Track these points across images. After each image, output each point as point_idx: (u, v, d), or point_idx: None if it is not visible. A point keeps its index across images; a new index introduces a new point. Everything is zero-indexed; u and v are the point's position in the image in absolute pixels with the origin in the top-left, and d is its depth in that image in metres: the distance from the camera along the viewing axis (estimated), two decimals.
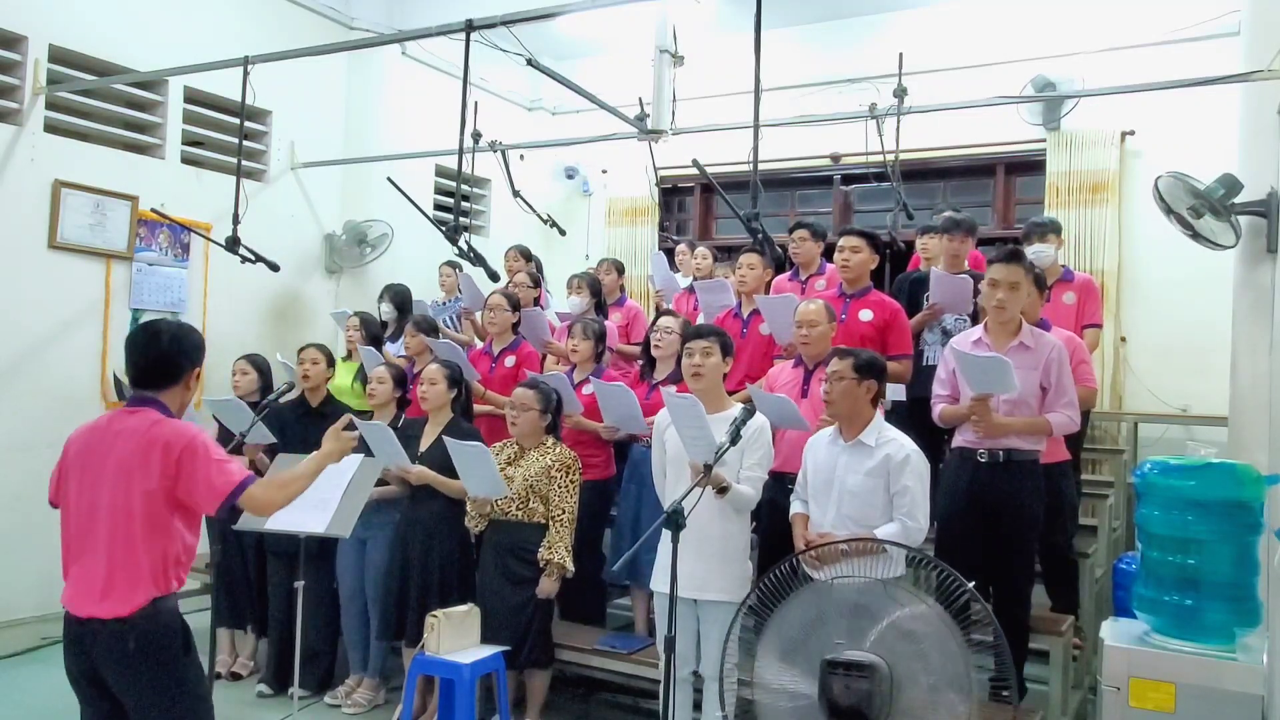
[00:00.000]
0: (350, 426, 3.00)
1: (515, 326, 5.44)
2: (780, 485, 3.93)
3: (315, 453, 2.90)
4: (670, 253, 7.43)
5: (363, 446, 4.43)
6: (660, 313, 5.01)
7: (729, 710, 3.09)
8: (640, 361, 4.94)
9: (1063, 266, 5.28)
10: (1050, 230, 5.17)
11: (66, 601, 2.59)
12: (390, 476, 4.44)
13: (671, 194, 9.10)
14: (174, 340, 2.67)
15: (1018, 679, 3.95)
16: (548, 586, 4.13)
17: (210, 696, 2.73)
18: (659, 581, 3.61)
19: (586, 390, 4.77)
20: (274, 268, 6.04)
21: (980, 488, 3.83)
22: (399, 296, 6.35)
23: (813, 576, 3.01)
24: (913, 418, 4.44)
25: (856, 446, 3.49)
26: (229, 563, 4.86)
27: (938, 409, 4.01)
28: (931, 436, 4.30)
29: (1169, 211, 4.49)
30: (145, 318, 5.96)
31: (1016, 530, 3.84)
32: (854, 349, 3.70)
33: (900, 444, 3.46)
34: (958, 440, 3.97)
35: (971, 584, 2.65)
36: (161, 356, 2.66)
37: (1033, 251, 5.14)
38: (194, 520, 2.66)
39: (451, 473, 4.24)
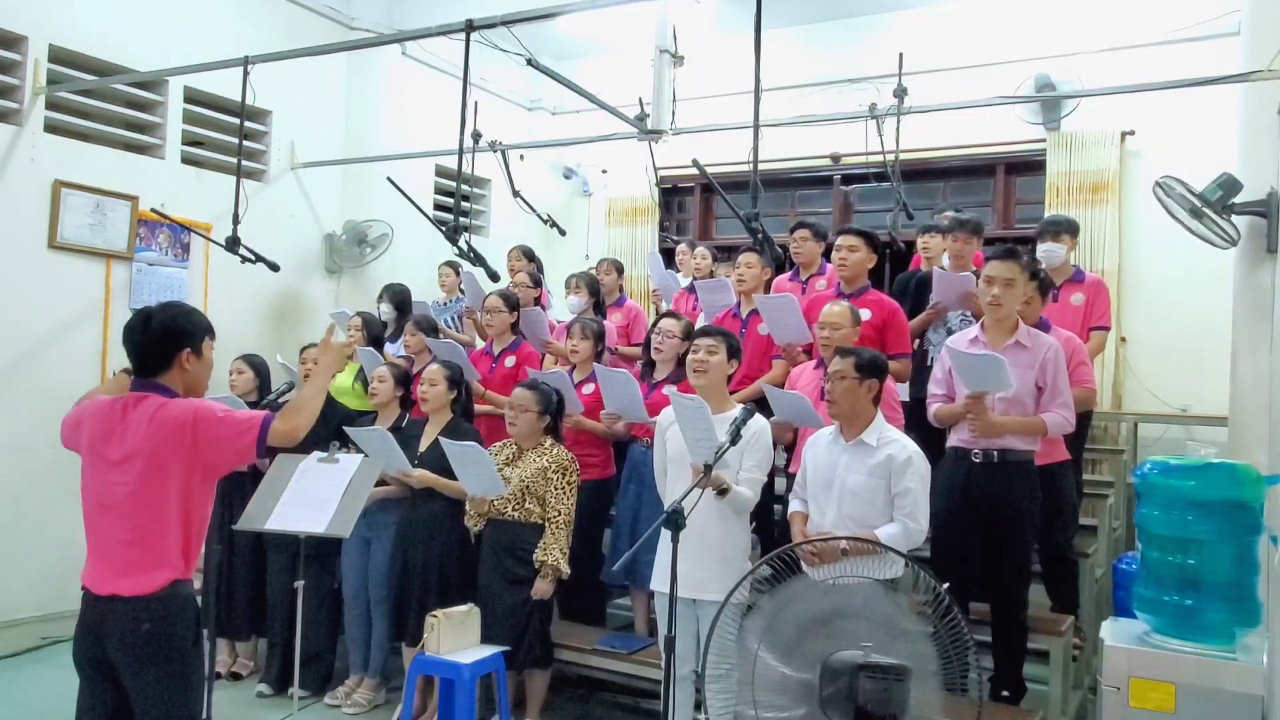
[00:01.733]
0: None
1: (515, 326, 5.44)
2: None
3: (316, 369, 2.93)
4: (670, 253, 7.42)
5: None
6: (662, 314, 5.00)
7: (713, 712, 3.07)
8: (640, 362, 4.93)
9: (1074, 267, 5.26)
10: (1064, 230, 5.16)
11: (87, 579, 2.62)
12: (390, 478, 4.44)
13: (671, 194, 9.10)
14: (161, 326, 2.67)
15: (1017, 679, 3.96)
16: (542, 588, 4.13)
17: (204, 690, 2.75)
18: (659, 581, 3.61)
19: (587, 390, 4.77)
20: (274, 268, 6.04)
21: (975, 487, 3.84)
22: (398, 297, 6.35)
23: (811, 576, 3.01)
24: (914, 417, 4.44)
25: (858, 446, 3.49)
26: (229, 569, 4.85)
27: (933, 408, 4.02)
28: (932, 436, 4.30)
29: (1172, 214, 4.49)
30: None
31: (1011, 530, 3.84)
32: (856, 348, 3.70)
33: (902, 445, 3.46)
34: (953, 440, 3.97)
35: (945, 585, 2.65)
36: (150, 343, 2.67)
37: (1043, 250, 5.14)
38: (210, 500, 2.71)
39: (452, 473, 4.24)
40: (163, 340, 2.67)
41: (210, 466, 2.66)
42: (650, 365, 4.73)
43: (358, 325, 5.76)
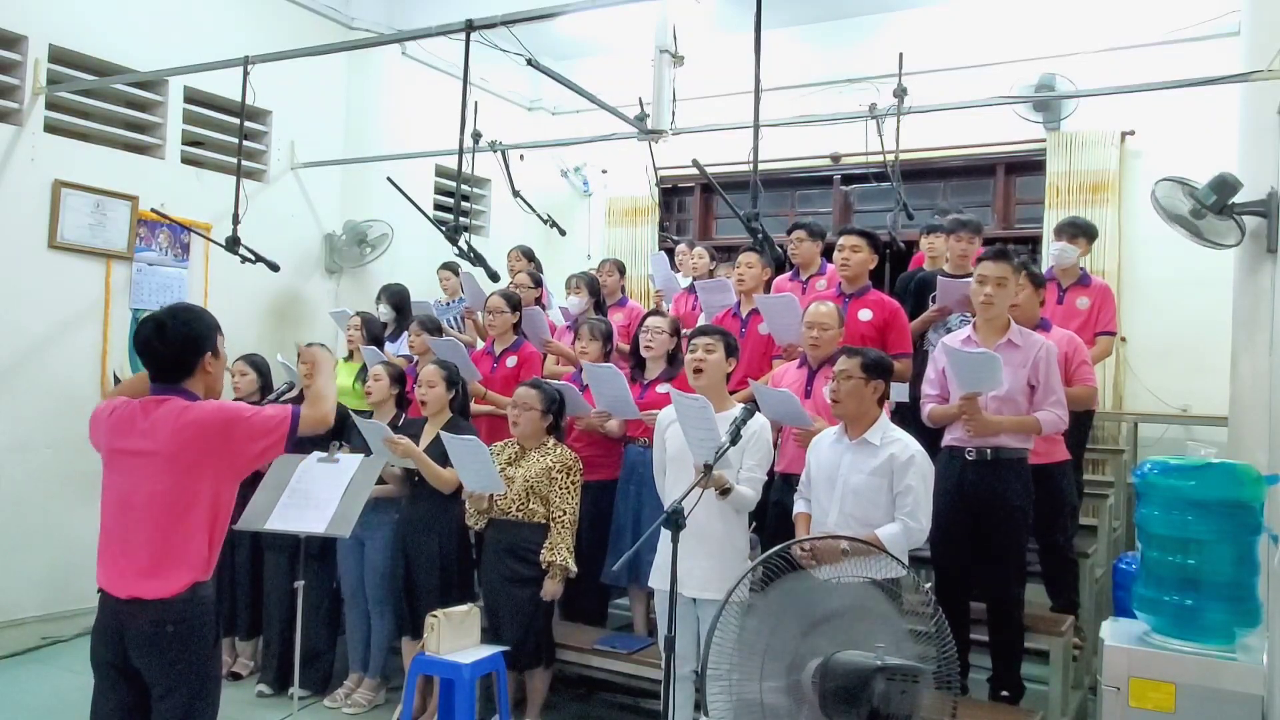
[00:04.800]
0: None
1: (516, 327, 5.44)
2: (787, 487, 3.92)
3: (316, 367, 3.00)
4: (671, 252, 7.43)
5: (362, 445, 4.44)
6: (647, 313, 4.98)
7: (713, 712, 3.06)
8: (630, 364, 4.89)
9: (1081, 270, 5.27)
10: (1081, 234, 5.19)
11: (105, 583, 2.62)
12: (389, 475, 4.44)
13: (671, 194, 9.10)
14: (177, 335, 2.68)
15: (1015, 678, 3.96)
16: (551, 588, 4.12)
17: (220, 692, 2.77)
18: (658, 580, 3.61)
19: None
20: (274, 268, 6.04)
21: (968, 486, 3.85)
22: (396, 297, 6.35)
23: (814, 575, 3.00)
24: (915, 417, 4.44)
25: (861, 445, 3.49)
26: (231, 568, 4.85)
27: (927, 409, 4.03)
28: (933, 437, 4.30)
29: (1170, 218, 4.49)
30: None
31: (1005, 528, 3.84)
32: (862, 348, 3.70)
33: (905, 444, 3.46)
34: (947, 439, 3.98)
35: (930, 584, 2.66)
36: (169, 354, 2.68)
37: (1056, 249, 5.17)
38: (232, 501, 2.72)
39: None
40: (184, 348, 2.68)
41: (242, 466, 2.69)
42: (640, 365, 4.71)
43: (357, 325, 5.76)
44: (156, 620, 2.54)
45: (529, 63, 4.69)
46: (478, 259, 5.56)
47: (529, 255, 6.89)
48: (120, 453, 2.64)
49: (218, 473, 2.63)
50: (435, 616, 3.96)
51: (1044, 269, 5.43)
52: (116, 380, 5.84)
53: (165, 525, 2.57)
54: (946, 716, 2.62)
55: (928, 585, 2.68)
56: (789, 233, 5.36)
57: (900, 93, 5.66)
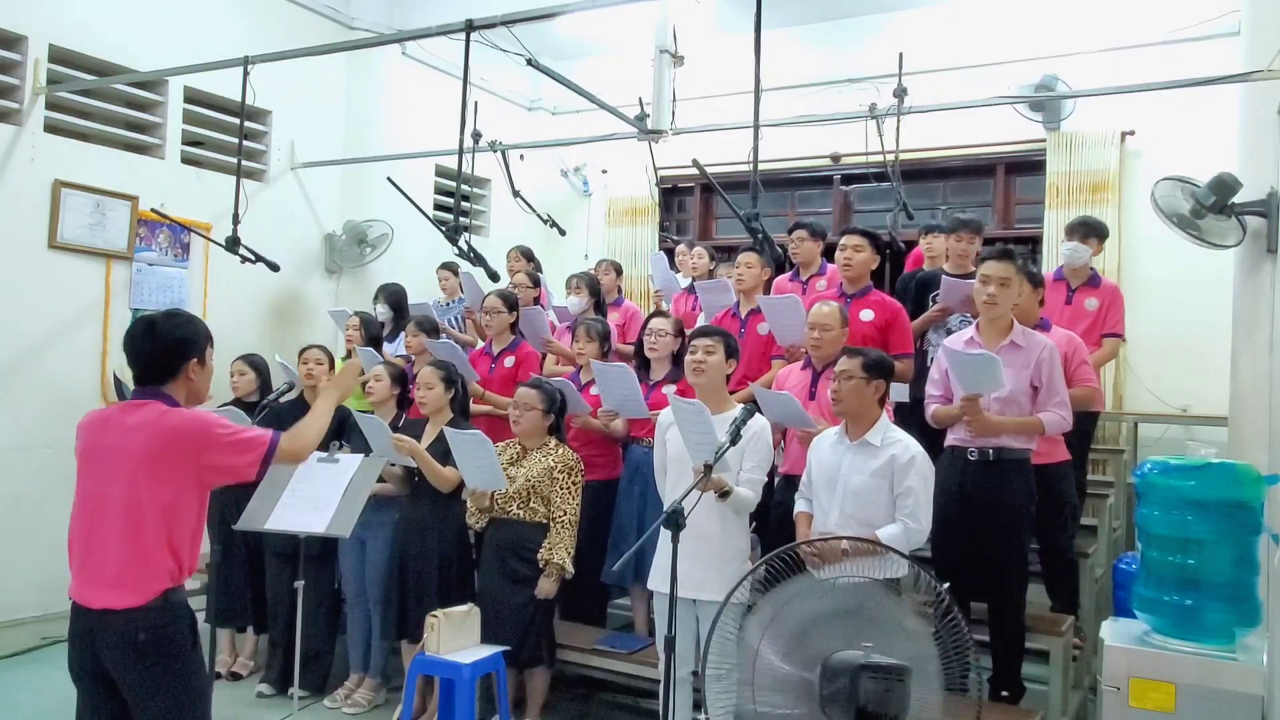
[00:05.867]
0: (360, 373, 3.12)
1: (514, 326, 5.43)
2: (791, 488, 3.92)
3: (325, 388, 3.03)
4: (670, 253, 7.43)
5: (362, 444, 4.44)
6: (652, 314, 4.99)
7: (713, 712, 3.07)
8: (634, 365, 4.90)
9: (1091, 270, 5.26)
10: (1093, 234, 5.19)
11: (75, 593, 2.60)
12: (389, 474, 4.44)
13: (671, 194, 9.10)
14: (166, 336, 2.67)
15: (1016, 678, 3.96)
16: (546, 587, 4.12)
17: (210, 692, 2.74)
18: (658, 581, 3.61)
19: (594, 391, 4.75)
20: (274, 268, 6.04)
21: (971, 486, 3.84)
22: (394, 297, 6.35)
23: (813, 575, 3.00)
24: (915, 418, 4.44)
25: (862, 446, 3.49)
26: (229, 563, 4.86)
27: (930, 409, 4.02)
28: (934, 437, 4.30)
29: (1170, 218, 4.48)
30: None
31: (1007, 528, 3.84)
32: (863, 348, 3.70)
33: (906, 445, 3.46)
34: (949, 439, 3.98)
35: (946, 585, 2.65)
36: (155, 353, 2.66)
37: (1068, 249, 5.16)
38: (204, 509, 2.70)
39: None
40: (169, 350, 2.66)
41: (210, 480, 2.65)
42: (645, 366, 4.72)
43: (356, 325, 5.76)
44: (128, 629, 2.51)
45: (529, 63, 4.68)
46: (478, 259, 5.56)
47: (528, 255, 6.89)
48: (96, 454, 2.61)
49: (185, 482, 2.59)
50: (435, 616, 3.96)
51: (1046, 269, 5.42)
52: (117, 381, 5.84)
53: (133, 532, 2.54)
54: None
55: (944, 586, 2.66)
56: (790, 232, 5.36)
57: (900, 93, 5.66)
